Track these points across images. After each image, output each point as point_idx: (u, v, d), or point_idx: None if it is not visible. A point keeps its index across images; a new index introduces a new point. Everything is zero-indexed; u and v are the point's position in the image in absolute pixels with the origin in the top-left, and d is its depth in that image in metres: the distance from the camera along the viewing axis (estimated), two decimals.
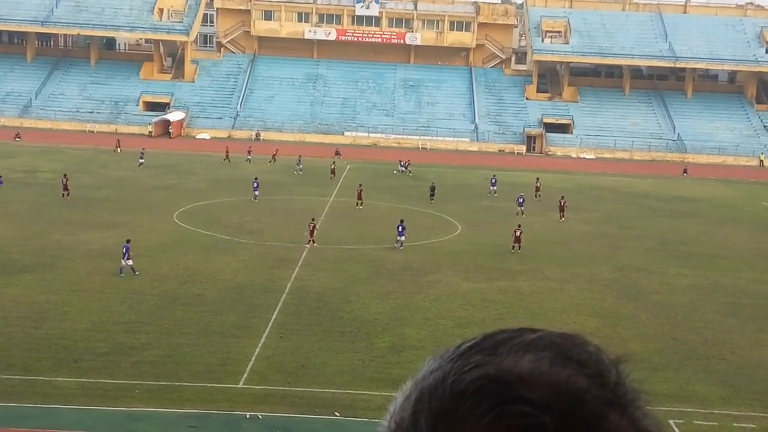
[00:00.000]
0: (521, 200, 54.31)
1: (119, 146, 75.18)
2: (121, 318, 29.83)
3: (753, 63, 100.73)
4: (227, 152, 71.91)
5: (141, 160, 66.05)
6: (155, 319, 29.83)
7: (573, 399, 1.01)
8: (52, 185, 56.17)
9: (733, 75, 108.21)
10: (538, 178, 63.23)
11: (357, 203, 53.67)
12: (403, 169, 70.71)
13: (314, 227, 42.92)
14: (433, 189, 58.23)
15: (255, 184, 54.83)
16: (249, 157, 71.78)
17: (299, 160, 69.06)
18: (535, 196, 58.65)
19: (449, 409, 1.02)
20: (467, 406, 1.01)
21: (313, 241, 42.35)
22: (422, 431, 1.03)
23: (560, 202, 54.01)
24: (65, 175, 53.58)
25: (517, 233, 43.72)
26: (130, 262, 35.42)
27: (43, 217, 45.77)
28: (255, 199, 53.77)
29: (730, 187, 73.49)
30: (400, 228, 43.07)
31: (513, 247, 43.43)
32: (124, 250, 35.64)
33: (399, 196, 58.37)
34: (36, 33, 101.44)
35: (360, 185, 55.55)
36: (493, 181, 61.93)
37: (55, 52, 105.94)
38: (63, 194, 51.49)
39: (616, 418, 1.02)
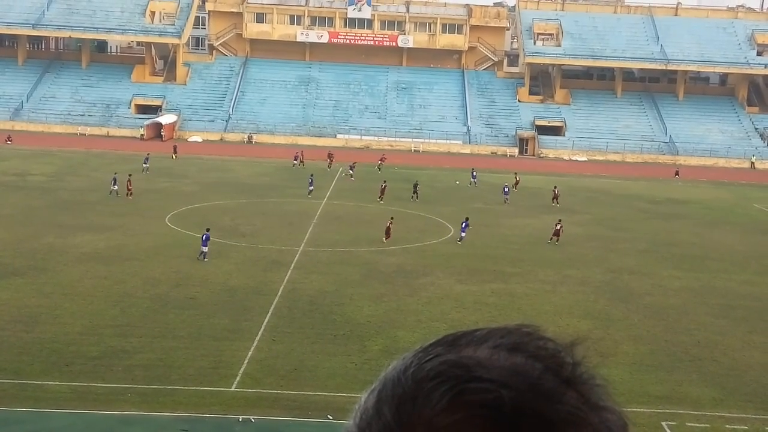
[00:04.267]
0: (506, 189, 60.56)
1: (176, 152, 74.75)
2: (113, 321, 29.71)
3: (744, 65, 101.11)
4: (297, 156, 73.10)
5: (145, 165, 65.21)
6: (147, 323, 29.72)
7: (531, 378, 1.04)
8: (44, 188, 56.07)
9: (724, 77, 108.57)
10: (516, 173, 68.38)
11: (379, 197, 56.78)
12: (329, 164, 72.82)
13: (391, 223, 44.77)
14: (416, 186, 59.00)
15: (310, 180, 59.03)
16: (296, 162, 72.51)
17: (352, 166, 68.34)
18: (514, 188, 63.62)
19: (411, 394, 1.04)
20: (428, 389, 1.03)
21: (386, 237, 44.14)
22: (386, 418, 1.04)
23: (554, 191, 59.54)
24: (130, 175, 55.47)
25: (558, 227, 46.42)
26: (206, 249, 38.28)
27: (34, 221, 45.60)
28: (310, 194, 57.36)
29: (722, 189, 73.73)
30: (464, 224, 45.26)
31: (551, 238, 46.13)
32: (203, 238, 38.60)
33: (391, 198, 58.26)
34: (27, 36, 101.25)
35: (384, 182, 58.52)
36: (474, 174, 67.41)
37: (47, 54, 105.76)
38: (127, 194, 53.42)
39: (573, 396, 1.05)
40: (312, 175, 60.61)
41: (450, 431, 1.00)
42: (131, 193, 53.72)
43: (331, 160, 73.28)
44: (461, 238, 45.01)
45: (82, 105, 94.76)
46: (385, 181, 58.73)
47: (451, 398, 1.02)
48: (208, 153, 78.31)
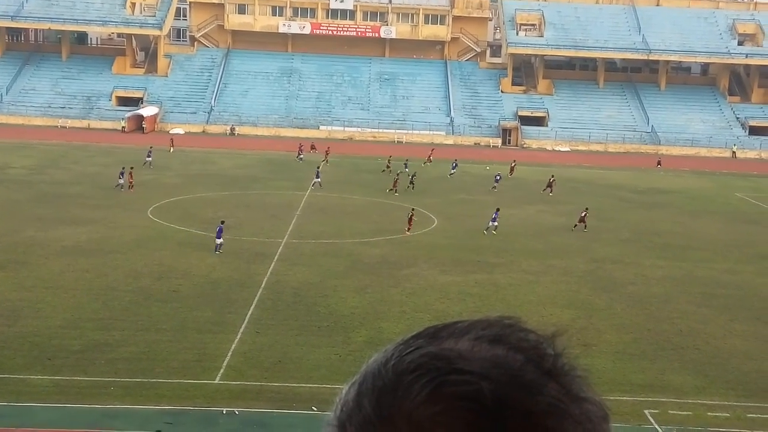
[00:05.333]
0: (498, 178, 62.24)
1: (173, 145, 73.79)
2: (96, 315, 29.56)
3: (725, 55, 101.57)
4: (301, 150, 72.83)
5: (148, 159, 64.20)
6: (130, 316, 29.60)
7: (512, 370, 1.04)
8: (24, 181, 55.64)
9: (705, 67, 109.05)
10: (514, 161, 71.19)
11: (392, 189, 57.03)
12: (301, 158, 71.85)
13: (413, 215, 45.38)
14: (413, 177, 59.36)
15: (317, 172, 59.51)
16: (302, 156, 71.68)
17: (388, 161, 66.51)
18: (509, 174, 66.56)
19: (391, 387, 1.04)
20: (408, 381, 1.03)
21: (408, 228, 44.82)
22: (366, 411, 1.04)
23: (550, 180, 60.95)
24: (132, 167, 55.19)
25: (583, 214, 48.20)
26: (220, 241, 38.60)
27: (15, 214, 45.24)
28: (313, 185, 57.64)
29: (704, 178, 74.14)
30: (495, 215, 46.39)
31: (575, 225, 47.77)
32: (218, 230, 38.87)
33: (375, 189, 58.32)
34: (6, 27, 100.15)
35: (398, 173, 59.67)
36: (454, 165, 67.99)
37: (26, 46, 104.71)
38: (129, 186, 53.36)
39: (554, 387, 1.05)
40: (318, 167, 61.15)
41: (430, 423, 1.00)
42: (132, 186, 53.43)
43: (327, 153, 71.74)
44: (493, 228, 45.70)
45: (62, 97, 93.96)
46: (398, 173, 59.61)
47: (431, 390, 1.01)
48: (191, 145, 77.80)
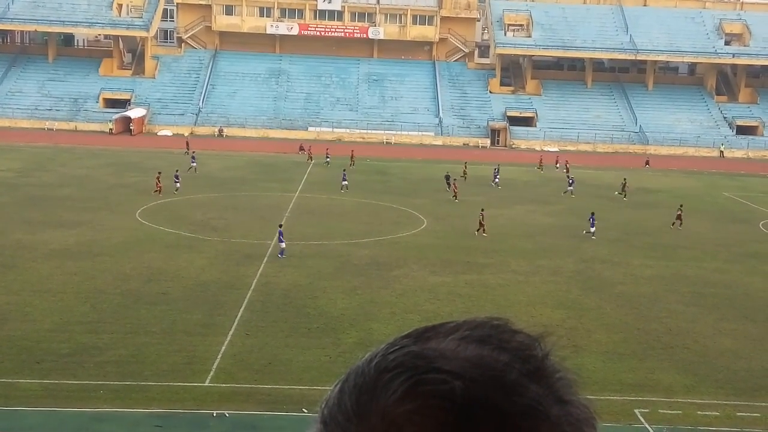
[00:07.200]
0: (571, 181, 61.93)
1: (188, 147, 72.98)
2: (84, 318, 29.41)
3: (712, 55, 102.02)
4: (310, 152, 72.72)
5: (193, 164, 63.86)
6: (119, 319, 29.46)
7: (492, 370, 1.04)
8: (11, 184, 55.34)
9: (693, 67, 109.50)
10: (566, 161, 73.20)
11: (454, 196, 56.23)
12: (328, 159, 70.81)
13: (482, 217, 45.63)
14: (448, 178, 59.73)
15: (344, 174, 59.12)
16: (328, 158, 70.41)
17: (465, 166, 65.49)
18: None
19: (372, 384, 1.05)
20: (387, 379, 1.04)
21: (483, 231, 44.91)
22: (346, 408, 1.05)
23: (623, 182, 61.78)
24: (159, 172, 54.79)
25: (678, 212, 50.21)
26: (283, 245, 38.71)
27: (2, 217, 44.97)
28: (342, 189, 57.33)
29: (692, 178, 74.41)
30: (592, 219, 46.43)
31: (673, 223, 49.84)
32: (278, 234, 39.30)
33: (365, 191, 58.25)
34: None
35: (455, 179, 59.06)
36: (496, 170, 65.45)
37: (12, 48, 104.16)
38: (155, 191, 52.80)
39: (536, 389, 1.04)
40: (345, 170, 60.60)
41: (403, 421, 1.01)
42: (160, 190, 52.76)
43: (353, 156, 70.20)
44: (593, 233, 46.05)
45: (49, 99, 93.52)
46: (455, 179, 59.42)
47: (407, 388, 1.02)
48: (179, 147, 77.59)
